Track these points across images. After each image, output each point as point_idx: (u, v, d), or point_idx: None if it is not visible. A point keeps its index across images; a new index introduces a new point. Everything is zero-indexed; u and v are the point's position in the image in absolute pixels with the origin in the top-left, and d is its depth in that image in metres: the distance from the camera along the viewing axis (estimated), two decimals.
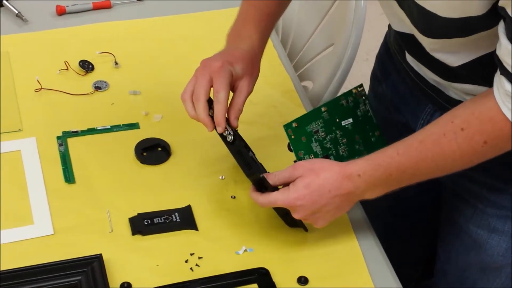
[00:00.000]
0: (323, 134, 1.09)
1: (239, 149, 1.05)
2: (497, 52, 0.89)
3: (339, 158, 1.10)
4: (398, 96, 1.20)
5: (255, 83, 1.11)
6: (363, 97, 1.12)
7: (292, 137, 1.07)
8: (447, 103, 1.07)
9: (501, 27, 0.87)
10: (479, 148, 0.93)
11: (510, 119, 0.90)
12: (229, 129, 1.06)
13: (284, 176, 1.02)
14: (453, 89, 1.06)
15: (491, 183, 1.09)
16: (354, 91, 1.11)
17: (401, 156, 0.97)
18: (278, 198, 1.01)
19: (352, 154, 1.11)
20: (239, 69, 1.07)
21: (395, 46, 1.17)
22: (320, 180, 1.00)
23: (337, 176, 0.99)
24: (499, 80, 0.90)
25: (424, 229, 1.34)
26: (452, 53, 0.99)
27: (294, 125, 1.07)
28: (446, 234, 1.20)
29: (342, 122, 1.11)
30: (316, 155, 1.08)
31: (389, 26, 1.17)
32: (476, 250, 1.14)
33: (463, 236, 1.16)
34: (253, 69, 1.10)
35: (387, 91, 1.22)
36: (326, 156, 1.09)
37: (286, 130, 1.07)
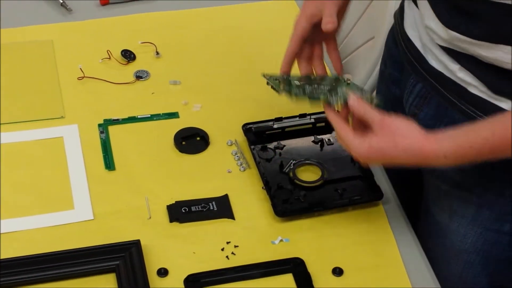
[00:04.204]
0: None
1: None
2: None
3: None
4: (394, 68, 1.20)
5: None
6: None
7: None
8: (427, 74, 1.06)
9: None
10: None
11: None
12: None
13: (368, 115, 0.98)
14: (436, 51, 1.04)
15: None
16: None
17: (496, 138, 0.87)
18: (349, 143, 0.98)
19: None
20: None
21: (397, 15, 1.17)
22: (397, 152, 0.93)
23: (416, 154, 0.92)
24: None
25: None
26: None
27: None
28: (420, 217, 1.19)
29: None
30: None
31: None
32: (438, 233, 1.13)
33: (430, 218, 1.15)
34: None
35: (389, 67, 1.23)
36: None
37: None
